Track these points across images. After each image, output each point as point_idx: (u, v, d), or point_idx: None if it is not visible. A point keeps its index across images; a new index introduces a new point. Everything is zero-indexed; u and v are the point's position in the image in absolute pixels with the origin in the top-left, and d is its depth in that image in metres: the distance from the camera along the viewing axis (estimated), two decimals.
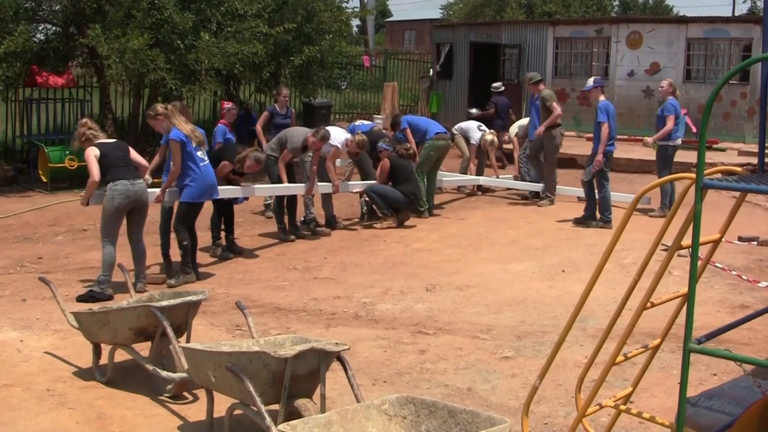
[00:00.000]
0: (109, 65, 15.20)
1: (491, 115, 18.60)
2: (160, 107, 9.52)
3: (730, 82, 19.92)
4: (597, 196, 12.45)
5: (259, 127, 13.34)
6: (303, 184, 11.65)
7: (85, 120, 9.26)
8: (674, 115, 12.78)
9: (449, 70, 26.46)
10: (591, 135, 21.95)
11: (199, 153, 9.37)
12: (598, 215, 12.43)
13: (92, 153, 8.68)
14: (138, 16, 15.12)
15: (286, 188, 11.55)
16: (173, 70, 15.41)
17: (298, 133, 11.70)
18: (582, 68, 24.09)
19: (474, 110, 18.73)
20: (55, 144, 16.47)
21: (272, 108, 13.43)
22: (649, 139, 13.18)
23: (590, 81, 12.89)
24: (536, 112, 14.35)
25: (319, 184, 11.85)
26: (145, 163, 9.23)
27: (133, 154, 9.04)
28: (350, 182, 12.88)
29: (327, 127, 12.50)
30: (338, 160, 13.16)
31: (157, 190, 9.45)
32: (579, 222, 12.47)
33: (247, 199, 11.57)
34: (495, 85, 19.60)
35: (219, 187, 10.09)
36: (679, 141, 13.03)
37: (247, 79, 18.95)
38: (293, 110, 13.99)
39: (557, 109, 13.86)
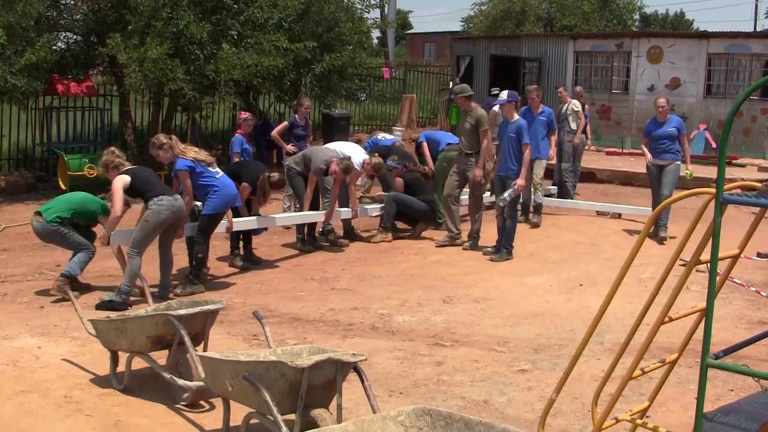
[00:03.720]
0: (129, 74, 15.27)
1: None
2: (163, 137, 9.42)
3: (751, 97, 19.87)
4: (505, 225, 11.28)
5: (275, 134, 13.32)
6: (322, 212, 11.67)
7: (112, 148, 9.29)
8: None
9: (469, 83, 26.28)
10: (612, 149, 22.33)
11: (210, 168, 9.36)
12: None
13: (121, 182, 8.64)
14: (158, 26, 15.19)
15: (305, 216, 11.60)
16: (192, 80, 15.44)
17: (322, 154, 11.69)
18: (602, 82, 24.12)
19: None
20: (75, 152, 16.58)
21: (292, 119, 13.42)
22: (689, 169, 12.83)
23: (503, 95, 11.30)
24: (542, 126, 13.85)
25: (339, 209, 11.93)
26: None
27: None
28: (368, 206, 12.81)
29: (344, 145, 12.54)
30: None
31: None
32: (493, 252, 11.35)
33: (266, 229, 11.52)
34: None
35: (237, 219, 10.16)
36: None
37: (267, 90, 18.99)
38: (310, 122, 13.97)
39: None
